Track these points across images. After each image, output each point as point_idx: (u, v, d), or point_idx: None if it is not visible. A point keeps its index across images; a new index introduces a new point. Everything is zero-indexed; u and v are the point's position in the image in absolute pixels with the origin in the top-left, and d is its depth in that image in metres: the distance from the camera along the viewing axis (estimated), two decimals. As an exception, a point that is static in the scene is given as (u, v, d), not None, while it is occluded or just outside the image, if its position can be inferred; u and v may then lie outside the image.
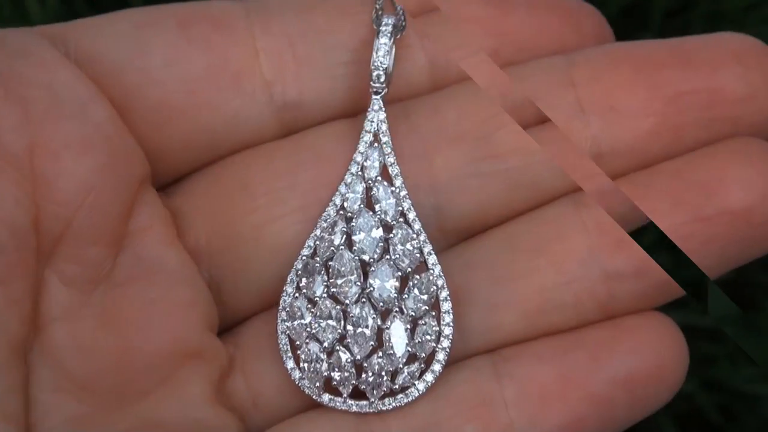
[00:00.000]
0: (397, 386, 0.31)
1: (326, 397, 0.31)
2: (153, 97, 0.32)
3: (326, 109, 0.33)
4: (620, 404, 0.31)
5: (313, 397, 0.31)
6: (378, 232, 0.32)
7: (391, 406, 0.31)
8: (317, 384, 0.31)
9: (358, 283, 0.31)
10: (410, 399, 0.31)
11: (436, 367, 0.31)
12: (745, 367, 0.42)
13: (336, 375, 0.31)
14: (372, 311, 0.31)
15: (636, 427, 0.38)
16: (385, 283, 0.31)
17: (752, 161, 0.31)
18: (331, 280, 0.31)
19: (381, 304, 0.31)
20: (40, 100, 0.30)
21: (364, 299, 0.31)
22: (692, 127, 0.32)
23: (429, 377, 0.31)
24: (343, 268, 0.31)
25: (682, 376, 0.31)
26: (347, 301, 0.31)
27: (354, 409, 0.31)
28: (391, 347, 0.31)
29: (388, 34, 0.32)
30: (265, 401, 0.32)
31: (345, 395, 0.31)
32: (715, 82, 0.31)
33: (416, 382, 0.31)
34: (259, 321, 0.32)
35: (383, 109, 0.32)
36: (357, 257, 0.31)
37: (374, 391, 0.31)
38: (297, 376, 0.31)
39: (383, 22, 0.32)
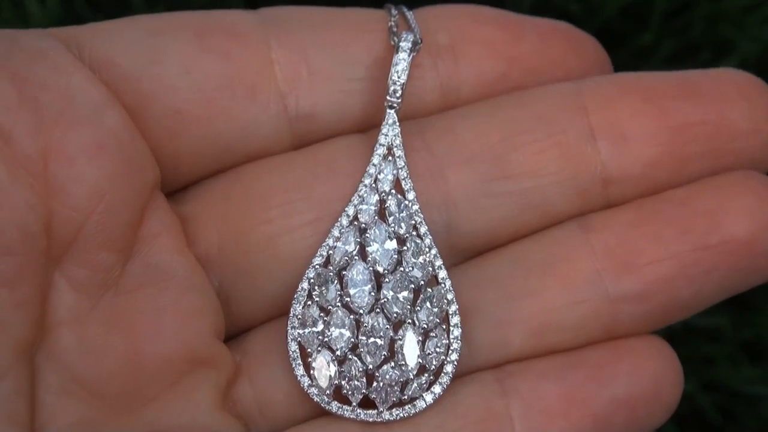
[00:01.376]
0: (406, 396, 0.31)
1: (335, 405, 0.31)
2: (167, 104, 0.32)
3: (339, 122, 0.33)
4: (620, 423, 0.31)
5: (322, 404, 0.31)
6: (392, 244, 0.32)
7: (398, 417, 0.31)
8: (327, 392, 0.31)
9: (372, 293, 0.32)
10: (418, 410, 0.31)
11: (444, 379, 0.31)
12: (745, 367, 0.42)
13: (346, 383, 0.31)
14: (385, 322, 0.32)
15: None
16: (398, 295, 0.32)
17: (755, 192, 0.31)
18: (344, 290, 0.32)
19: (394, 314, 0.32)
20: (55, 104, 0.30)
21: (377, 309, 0.32)
22: (696, 158, 0.32)
23: (437, 389, 0.31)
24: (356, 278, 0.32)
25: (677, 399, 0.32)
26: (361, 311, 0.32)
27: (362, 417, 0.31)
28: (403, 358, 0.31)
29: (408, 50, 0.32)
30: (272, 409, 0.32)
31: (354, 404, 0.32)
32: (722, 115, 0.32)
33: (424, 394, 0.31)
34: (266, 329, 0.33)
35: (397, 123, 0.32)
36: (371, 268, 0.32)
37: (384, 401, 0.31)
38: (306, 383, 0.31)
39: (403, 38, 0.32)
